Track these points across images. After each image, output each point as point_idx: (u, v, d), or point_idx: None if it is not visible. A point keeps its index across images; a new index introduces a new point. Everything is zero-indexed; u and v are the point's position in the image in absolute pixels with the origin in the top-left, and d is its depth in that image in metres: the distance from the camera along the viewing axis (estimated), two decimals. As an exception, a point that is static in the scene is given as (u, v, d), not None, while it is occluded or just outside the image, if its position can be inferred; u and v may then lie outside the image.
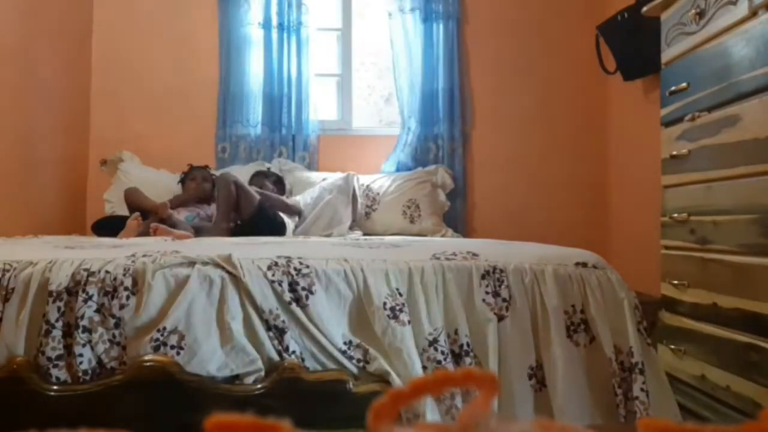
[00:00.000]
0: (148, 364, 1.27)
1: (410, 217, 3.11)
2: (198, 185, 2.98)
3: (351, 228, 3.04)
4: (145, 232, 2.42)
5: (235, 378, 1.32)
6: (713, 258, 1.81)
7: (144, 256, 1.41)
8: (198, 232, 2.56)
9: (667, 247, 2.08)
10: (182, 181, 3.05)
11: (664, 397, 1.46)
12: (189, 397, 1.27)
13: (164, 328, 1.29)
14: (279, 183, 3.08)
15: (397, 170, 3.33)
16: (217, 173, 3.15)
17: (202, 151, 3.34)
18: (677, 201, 2.03)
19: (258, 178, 3.02)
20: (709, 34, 1.85)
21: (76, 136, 3.31)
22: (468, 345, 1.38)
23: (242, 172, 3.19)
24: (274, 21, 3.36)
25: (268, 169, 3.16)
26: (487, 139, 3.48)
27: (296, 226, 2.91)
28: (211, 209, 2.94)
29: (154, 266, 1.36)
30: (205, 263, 1.38)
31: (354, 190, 3.13)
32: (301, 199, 3.06)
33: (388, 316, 1.36)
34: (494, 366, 1.37)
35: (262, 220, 2.66)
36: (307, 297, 1.36)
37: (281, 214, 2.79)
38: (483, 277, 1.45)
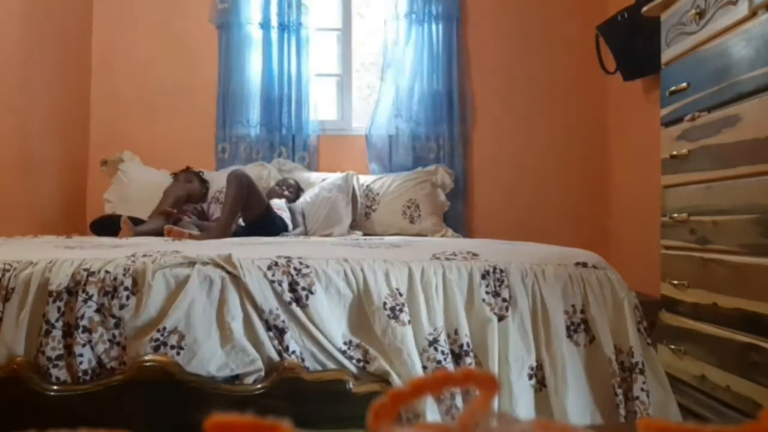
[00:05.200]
0: (148, 364, 1.27)
1: (410, 217, 3.11)
2: (182, 188, 2.94)
3: (351, 228, 3.04)
4: (148, 232, 2.44)
5: (235, 378, 1.32)
6: (713, 258, 1.81)
7: (144, 256, 1.41)
8: (200, 230, 2.55)
9: (667, 247, 2.08)
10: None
11: (664, 397, 1.46)
12: (189, 397, 1.27)
13: (164, 328, 1.29)
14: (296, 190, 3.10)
15: (391, 171, 3.34)
16: (209, 172, 3.15)
17: (201, 151, 3.34)
18: (677, 201, 2.03)
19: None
20: (709, 34, 1.85)
21: (76, 136, 3.31)
22: (468, 345, 1.38)
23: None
24: (274, 21, 3.36)
25: (285, 179, 3.15)
26: (487, 139, 3.48)
27: (295, 226, 2.90)
28: (211, 207, 2.93)
29: (154, 266, 1.35)
30: (205, 263, 1.38)
31: (354, 190, 3.13)
32: (300, 199, 3.06)
33: (388, 316, 1.36)
34: (494, 366, 1.37)
35: (267, 223, 2.58)
36: (307, 297, 1.36)
37: (283, 216, 2.76)
38: (483, 277, 1.45)
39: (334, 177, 3.15)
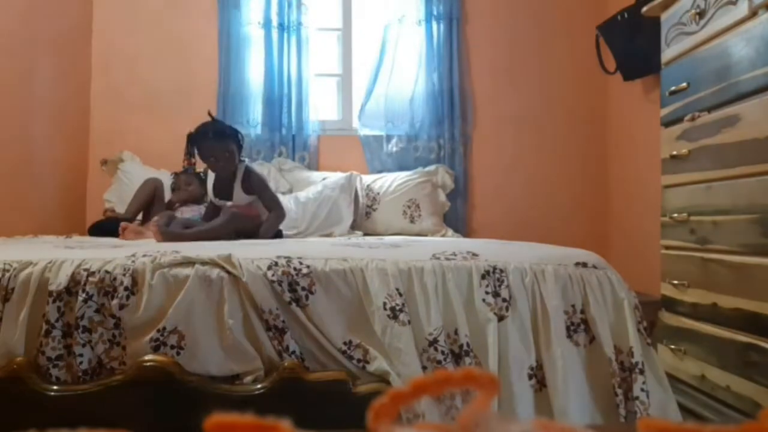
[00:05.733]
0: (148, 364, 1.27)
1: (410, 217, 3.11)
2: (189, 193, 2.93)
3: (351, 227, 3.05)
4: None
5: (235, 378, 1.32)
6: (713, 258, 1.81)
7: (144, 256, 1.41)
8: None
9: (667, 247, 2.08)
10: (173, 190, 3.04)
11: (664, 397, 1.46)
12: (189, 397, 1.27)
13: (164, 328, 1.29)
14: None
15: (391, 170, 3.34)
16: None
17: (202, 151, 3.33)
18: (677, 201, 2.03)
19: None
20: (709, 34, 1.86)
21: (76, 136, 3.31)
22: (468, 345, 1.38)
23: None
24: (274, 21, 3.36)
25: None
26: (487, 139, 3.48)
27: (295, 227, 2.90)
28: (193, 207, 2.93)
29: (153, 266, 1.35)
30: (204, 263, 1.38)
31: (356, 190, 3.14)
32: (303, 195, 3.04)
33: (388, 316, 1.36)
34: (494, 366, 1.36)
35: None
36: (307, 297, 1.36)
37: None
38: (483, 277, 1.44)
39: (336, 176, 3.16)
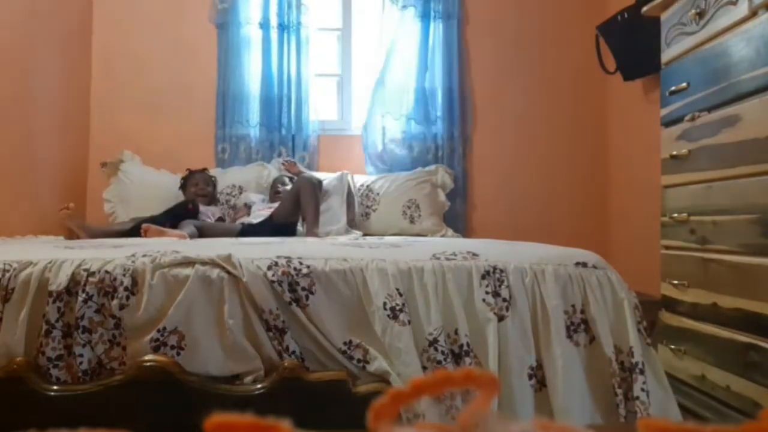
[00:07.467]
0: (148, 364, 1.27)
1: (410, 217, 3.11)
2: (202, 189, 2.97)
3: (350, 227, 3.04)
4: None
5: (235, 378, 1.32)
6: (713, 258, 1.81)
7: (144, 256, 1.41)
8: (199, 230, 2.54)
9: (667, 247, 2.08)
10: (183, 187, 3.04)
11: (664, 397, 1.46)
12: (189, 397, 1.27)
13: (164, 328, 1.29)
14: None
15: (390, 171, 3.33)
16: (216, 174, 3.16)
17: (201, 152, 3.34)
18: (677, 201, 2.03)
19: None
20: (709, 34, 1.86)
21: (76, 136, 3.31)
22: (468, 345, 1.38)
23: (242, 173, 3.20)
24: (274, 21, 3.36)
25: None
26: (487, 139, 3.48)
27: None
28: (214, 208, 2.94)
29: (153, 266, 1.35)
30: (204, 263, 1.38)
31: (349, 188, 3.13)
32: None
33: (388, 316, 1.36)
34: (494, 366, 1.36)
35: (290, 226, 2.72)
36: (307, 297, 1.36)
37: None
38: (483, 277, 1.44)
39: (330, 177, 3.15)
